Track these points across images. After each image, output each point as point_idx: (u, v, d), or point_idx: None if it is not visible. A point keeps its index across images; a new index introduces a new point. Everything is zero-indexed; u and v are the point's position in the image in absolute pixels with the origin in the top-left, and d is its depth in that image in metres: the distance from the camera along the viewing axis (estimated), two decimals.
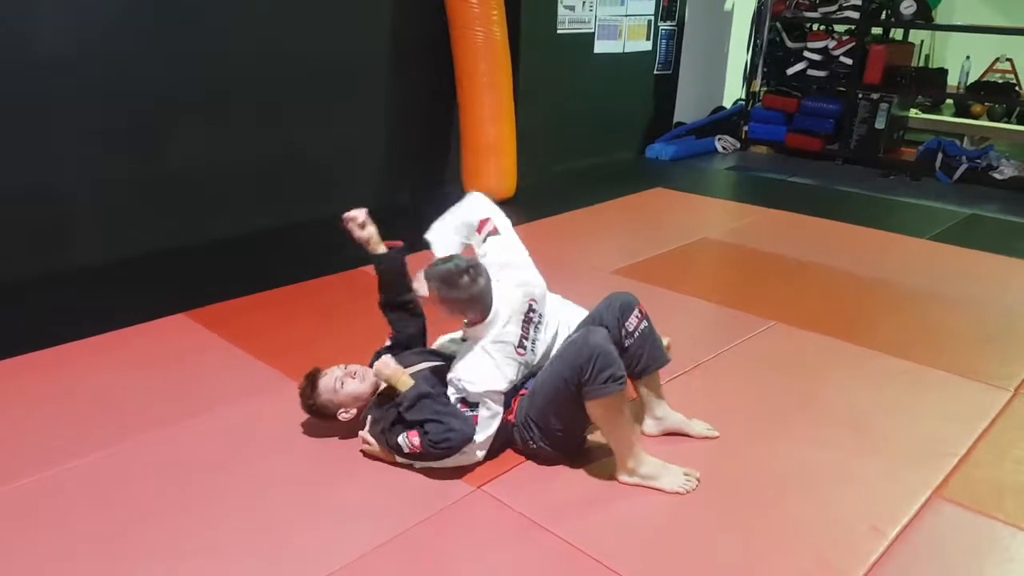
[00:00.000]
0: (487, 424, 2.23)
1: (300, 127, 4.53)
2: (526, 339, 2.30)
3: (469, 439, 2.18)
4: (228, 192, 4.30)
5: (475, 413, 2.22)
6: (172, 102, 3.98)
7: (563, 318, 2.51)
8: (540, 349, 2.37)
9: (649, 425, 2.48)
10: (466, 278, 2.20)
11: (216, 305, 3.41)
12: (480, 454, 2.27)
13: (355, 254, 3.96)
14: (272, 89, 4.35)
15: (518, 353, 2.28)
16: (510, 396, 2.32)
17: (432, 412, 2.16)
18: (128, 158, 3.90)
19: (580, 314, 2.55)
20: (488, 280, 2.25)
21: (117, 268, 3.84)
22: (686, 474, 2.23)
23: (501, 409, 2.27)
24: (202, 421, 2.54)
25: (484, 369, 2.24)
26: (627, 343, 2.34)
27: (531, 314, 2.31)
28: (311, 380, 2.36)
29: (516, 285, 2.32)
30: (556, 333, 2.45)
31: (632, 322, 2.34)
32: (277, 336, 3.14)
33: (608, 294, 2.45)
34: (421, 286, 2.25)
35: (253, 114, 4.31)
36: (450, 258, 2.28)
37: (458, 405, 2.23)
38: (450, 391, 2.27)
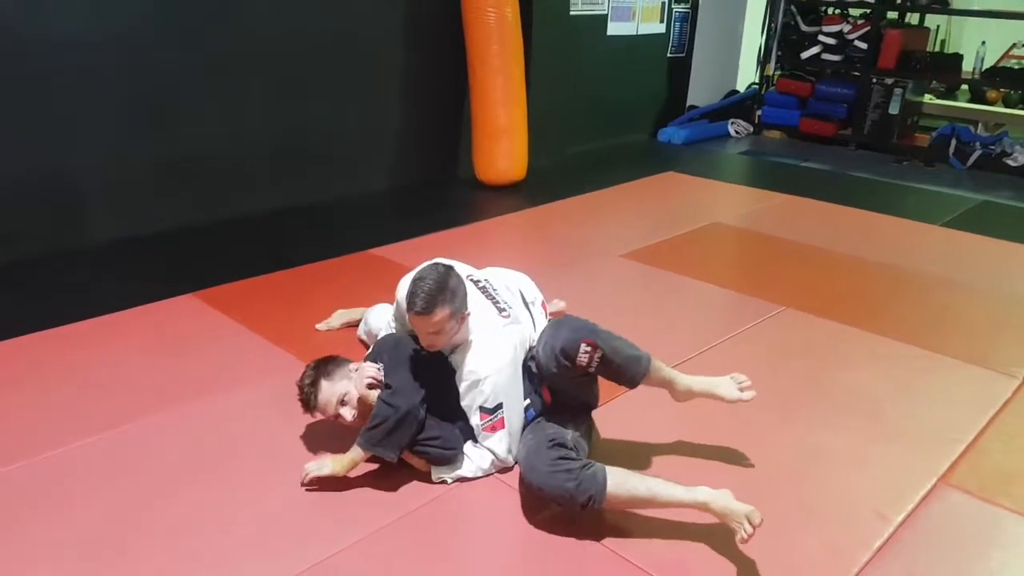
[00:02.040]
0: (506, 435, 2.16)
1: (312, 108, 4.53)
2: (497, 303, 2.27)
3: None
4: (239, 173, 4.32)
5: (500, 416, 2.14)
6: (184, 82, 3.99)
7: (509, 282, 2.48)
8: (519, 314, 2.33)
9: (678, 395, 2.28)
10: (442, 268, 2.10)
11: (227, 285, 3.43)
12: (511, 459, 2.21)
13: (367, 236, 4.02)
14: (283, 70, 4.35)
15: (503, 316, 2.24)
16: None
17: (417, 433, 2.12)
18: (140, 137, 3.91)
19: (518, 278, 2.57)
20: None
21: (128, 248, 3.86)
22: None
23: (522, 412, 2.17)
24: (212, 402, 2.56)
25: (485, 349, 2.15)
26: (592, 371, 2.11)
27: (479, 284, 2.30)
28: (310, 393, 2.20)
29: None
30: (524, 299, 2.45)
31: (583, 358, 2.04)
32: (288, 318, 3.15)
33: (546, 330, 2.18)
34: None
35: (264, 95, 4.31)
36: (418, 282, 2.07)
37: (478, 417, 2.14)
38: (474, 419, 2.16)
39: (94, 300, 3.22)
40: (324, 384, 2.18)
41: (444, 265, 2.15)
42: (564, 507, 1.96)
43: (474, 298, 2.21)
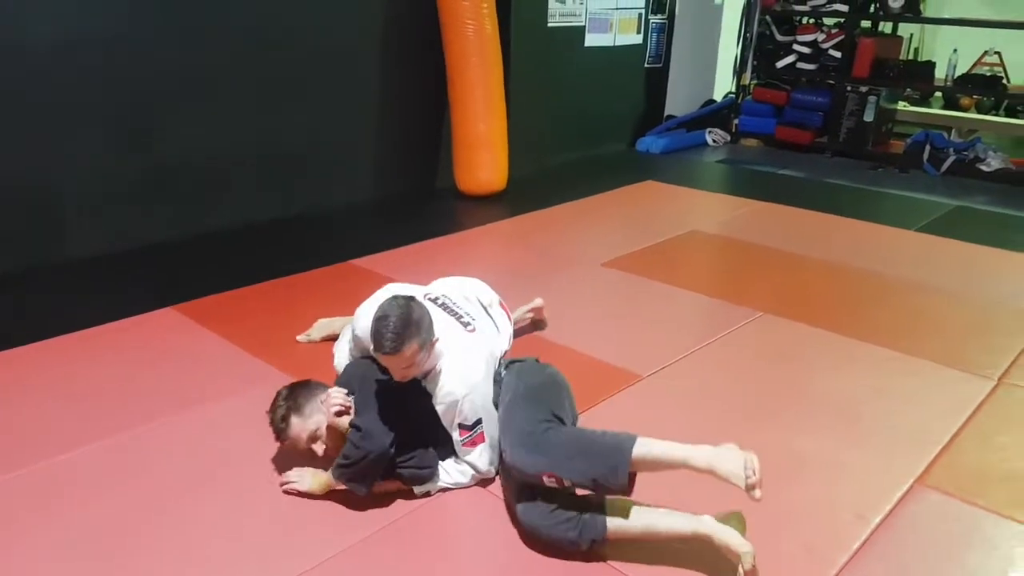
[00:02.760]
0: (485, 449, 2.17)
1: (293, 120, 4.53)
2: (460, 318, 2.27)
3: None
4: (220, 185, 4.30)
5: (480, 431, 2.13)
6: (164, 94, 3.98)
7: (466, 291, 2.50)
8: (482, 324, 2.33)
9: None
10: (402, 302, 2.04)
11: (206, 298, 3.42)
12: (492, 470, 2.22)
13: (348, 247, 4.02)
14: (263, 82, 4.35)
15: (468, 331, 2.24)
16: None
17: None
18: (121, 149, 3.89)
19: (472, 284, 2.58)
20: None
21: (109, 261, 3.84)
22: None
23: (496, 434, 2.15)
24: (193, 415, 2.55)
25: (457, 369, 2.13)
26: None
27: (438, 302, 2.29)
28: (282, 428, 2.16)
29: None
30: (482, 304, 2.47)
31: (550, 483, 1.93)
32: (269, 330, 3.15)
33: (502, 419, 2.10)
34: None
35: (243, 107, 4.31)
36: (381, 321, 2.01)
37: (458, 433, 2.13)
38: (454, 435, 2.16)
39: (75, 314, 3.20)
40: (295, 420, 2.14)
41: (403, 298, 2.07)
42: (569, 551, 1.93)
43: (437, 317, 2.17)
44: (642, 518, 1.92)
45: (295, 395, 2.18)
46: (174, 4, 3.90)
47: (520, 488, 1.99)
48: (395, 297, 2.08)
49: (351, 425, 2.09)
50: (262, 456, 2.32)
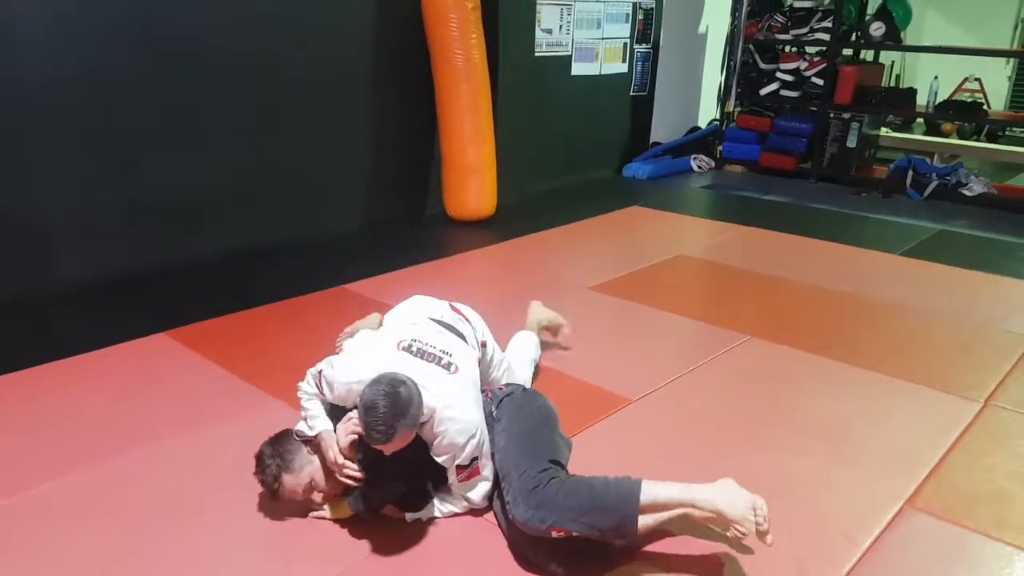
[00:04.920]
0: (487, 482, 2.16)
1: (281, 149, 4.55)
2: (440, 361, 2.20)
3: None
4: (209, 212, 4.30)
5: (475, 466, 2.12)
6: (150, 123, 3.99)
7: (442, 317, 2.43)
8: (461, 358, 2.25)
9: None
10: (388, 390, 1.93)
11: (196, 324, 3.42)
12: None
13: (340, 272, 4.03)
14: (252, 110, 4.37)
15: (452, 373, 2.18)
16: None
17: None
18: (108, 177, 3.89)
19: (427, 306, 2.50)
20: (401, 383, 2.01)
21: (95, 289, 3.83)
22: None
23: (491, 468, 2.15)
24: (184, 441, 2.54)
25: (452, 420, 2.07)
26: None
27: (412, 350, 2.21)
28: (276, 489, 2.10)
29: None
30: (455, 332, 2.38)
31: (558, 536, 1.93)
32: (259, 356, 3.14)
33: (510, 476, 2.04)
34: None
35: (232, 135, 4.32)
36: (370, 411, 1.93)
37: (454, 473, 2.11)
38: (450, 475, 2.13)
39: (63, 342, 3.19)
40: (287, 478, 2.09)
41: (389, 382, 1.96)
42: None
43: (419, 370, 2.10)
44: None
45: (279, 452, 2.11)
46: (160, 36, 3.93)
47: (522, 537, 1.99)
48: (381, 380, 1.97)
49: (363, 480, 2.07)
50: (253, 484, 2.29)
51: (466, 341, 2.39)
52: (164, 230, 4.15)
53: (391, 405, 1.91)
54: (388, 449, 1.98)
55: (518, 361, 2.80)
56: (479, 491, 2.17)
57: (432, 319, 2.40)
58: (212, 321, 3.46)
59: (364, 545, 2.07)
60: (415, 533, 2.13)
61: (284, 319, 3.54)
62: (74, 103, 3.72)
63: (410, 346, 2.22)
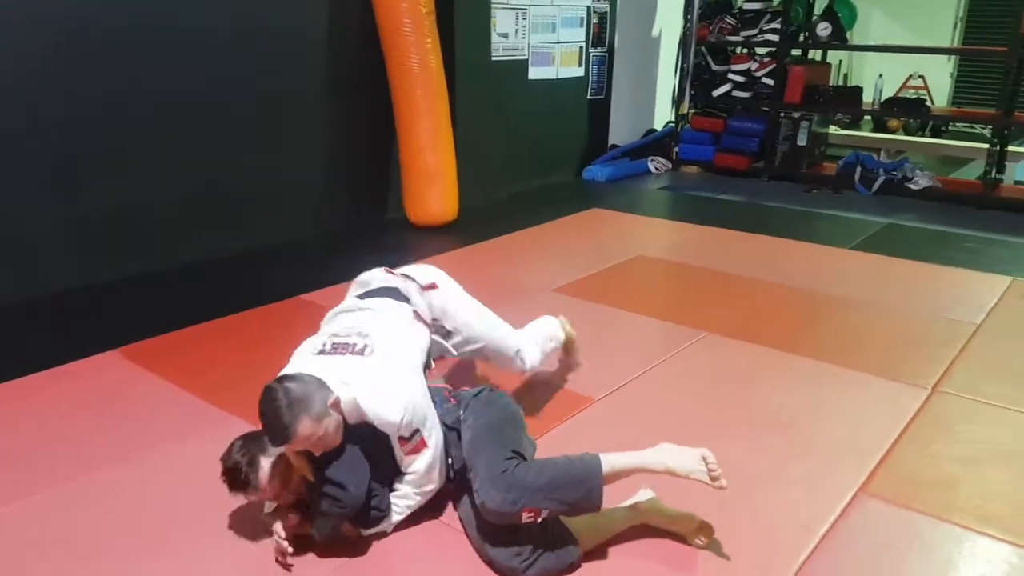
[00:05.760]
0: (431, 451, 2.14)
1: (236, 158, 4.53)
2: (355, 348, 2.17)
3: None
4: (161, 224, 4.27)
5: (419, 439, 2.09)
6: (104, 134, 3.95)
7: (351, 306, 2.44)
8: (377, 339, 2.21)
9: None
10: (270, 394, 1.93)
11: (147, 341, 3.35)
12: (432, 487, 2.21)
13: (287, 286, 3.99)
14: (205, 121, 4.34)
15: (370, 357, 2.15)
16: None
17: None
18: (59, 190, 3.84)
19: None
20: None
21: (46, 305, 3.76)
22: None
23: (439, 425, 2.18)
24: (140, 463, 2.48)
25: (379, 401, 2.05)
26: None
27: (325, 351, 2.19)
28: (249, 469, 2.03)
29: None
30: (381, 294, 2.40)
31: (528, 519, 1.96)
32: (215, 370, 3.10)
33: (475, 466, 2.06)
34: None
35: (184, 147, 4.29)
36: (261, 414, 1.93)
37: (398, 446, 2.08)
38: (395, 450, 2.10)
39: (12, 361, 3.11)
40: (263, 461, 2.03)
41: (271, 386, 1.96)
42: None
43: (331, 368, 2.08)
44: (600, 522, 2.09)
45: (252, 440, 2.07)
46: (113, 48, 3.89)
47: (491, 532, 2.02)
48: (266, 389, 1.96)
49: (329, 480, 2.02)
50: (214, 507, 2.23)
51: (399, 296, 2.41)
52: (113, 244, 4.07)
53: (273, 408, 1.91)
54: (303, 447, 1.96)
55: (527, 334, 2.82)
56: (423, 462, 2.12)
57: (356, 297, 2.44)
58: (166, 336, 3.40)
59: (330, 563, 2.06)
60: (380, 546, 2.13)
61: (235, 333, 3.47)
62: (17, 116, 3.65)
63: (324, 346, 2.21)
